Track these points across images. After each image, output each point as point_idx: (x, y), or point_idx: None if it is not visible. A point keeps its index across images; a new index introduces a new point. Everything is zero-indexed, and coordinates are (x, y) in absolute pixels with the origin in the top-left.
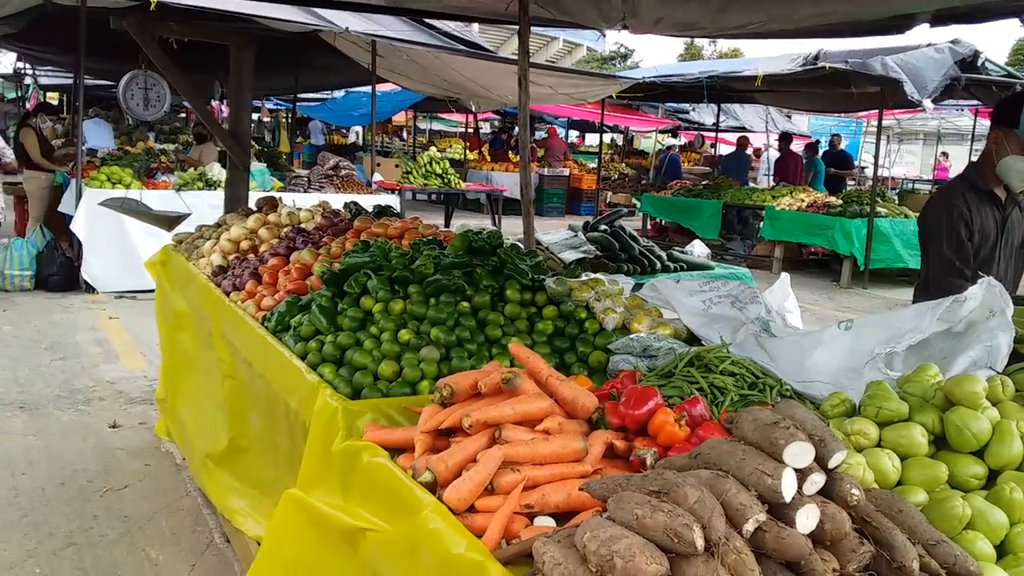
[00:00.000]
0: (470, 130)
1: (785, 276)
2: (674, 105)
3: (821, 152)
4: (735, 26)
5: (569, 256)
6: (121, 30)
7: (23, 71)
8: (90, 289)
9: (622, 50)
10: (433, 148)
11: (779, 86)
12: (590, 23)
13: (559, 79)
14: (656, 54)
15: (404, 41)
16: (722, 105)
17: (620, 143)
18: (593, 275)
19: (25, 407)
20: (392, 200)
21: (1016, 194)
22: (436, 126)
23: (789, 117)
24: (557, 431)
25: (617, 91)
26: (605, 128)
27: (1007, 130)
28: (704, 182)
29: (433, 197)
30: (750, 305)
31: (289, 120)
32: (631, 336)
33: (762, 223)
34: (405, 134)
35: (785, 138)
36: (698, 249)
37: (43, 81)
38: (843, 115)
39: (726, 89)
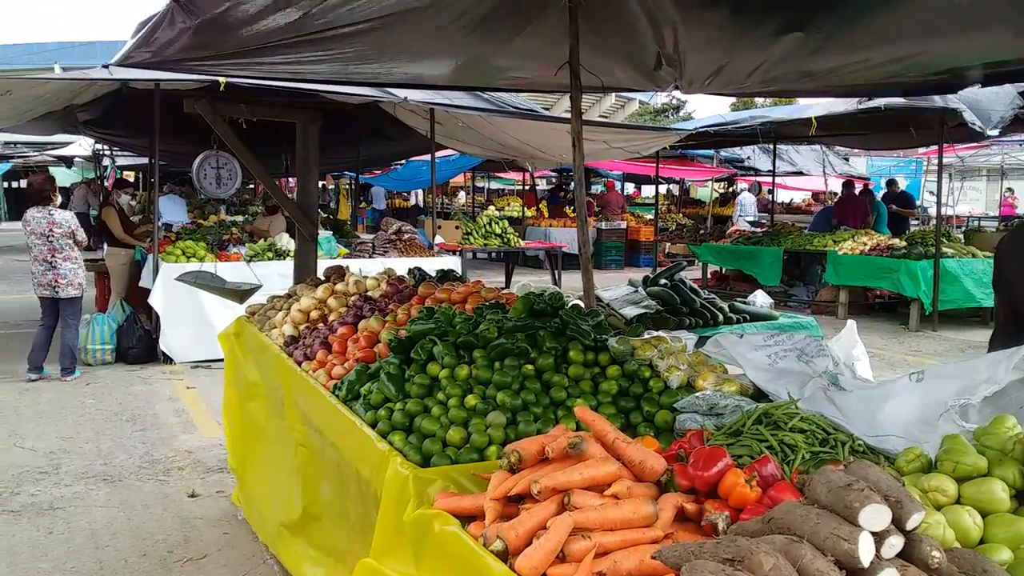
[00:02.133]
0: (527, 187)
1: (851, 324)
2: (728, 153)
3: (880, 195)
4: (784, 87)
5: (630, 312)
6: (193, 112)
7: (101, 152)
8: (168, 360)
9: (674, 102)
10: (491, 207)
11: (835, 128)
12: (641, 88)
13: (613, 134)
14: (709, 105)
15: (460, 107)
16: (778, 150)
17: (676, 193)
18: (655, 333)
19: (108, 479)
20: (454, 261)
21: None
22: (494, 185)
23: (847, 160)
24: (626, 495)
25: (671, 142)
26: (661, 180)
27: None
28: (763, 229)
29: (493, 255)
30: (817, 358)
31: (352, 187)
32: (697, 394)
33: (825, 268)
34: (463, 194)
35: (848, 184)
36: (760, 299)
37: (120, 162)
38: (902, 155)
39: (781, 135)
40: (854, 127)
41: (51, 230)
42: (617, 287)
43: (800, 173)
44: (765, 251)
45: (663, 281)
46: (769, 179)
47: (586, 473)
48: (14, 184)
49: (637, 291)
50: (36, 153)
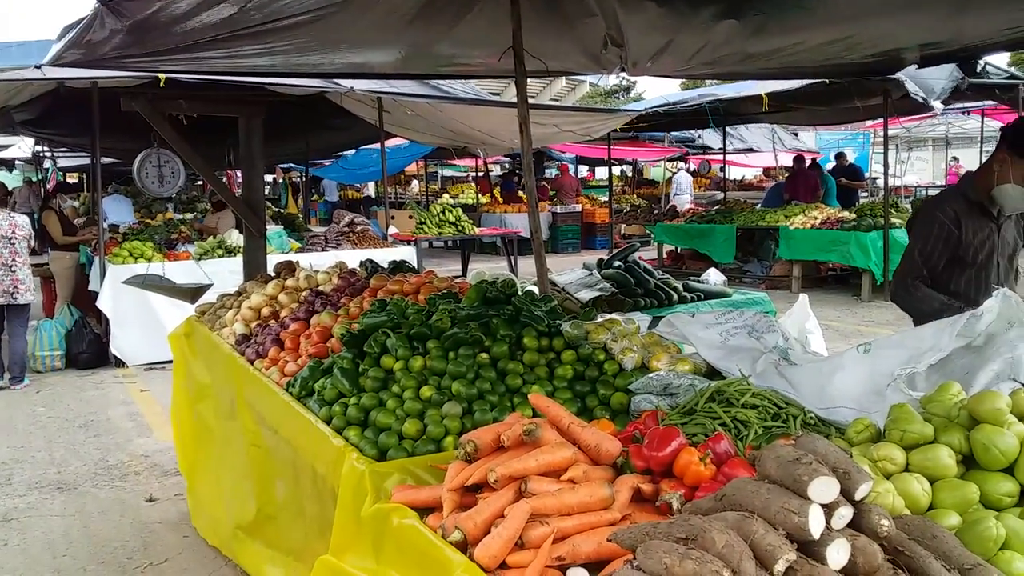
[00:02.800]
0: (480, 174)
1: (804, 298)
2: (679, 133)
3: (828, 167)
4: (726, 69)
5: (585, 295)
6: (131, 110)
7: (42, 154)
8: (120, 363)
9: (624, 83)
10: (446, 195)
11: (783, 104)
12: (587, 71)
13: (563, 117)
14: (659, 85)
15: (408, 95)
16: (728, 128)
17: (629, 175)
18: (609, 316)
19: (63, 487)
20: (409, 252)
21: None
22: (447, 172)
23: (796, 135)
24: (583, 479)
25: (621, 124)
26: (614, 162)
27: (1015, 156)
28: (716, 207)
29: (449, 244)
30: (767, 334)
31: (303, 180)
32: (651, 375)
33: (778, 244)
34: (416, 183)
35: (799, 159)
36: (713, 277)
37: (61, 163)
38: (850, 128)
39: (730, 112)
40: (802, 102)
41: (13, 232)
42: (572, 271)
43: (751, 150)
44: (718, 229)
45: (617, 263)
46: (719, 157)
47: (542, 459)
48: None
49: (592, 274)
50: None
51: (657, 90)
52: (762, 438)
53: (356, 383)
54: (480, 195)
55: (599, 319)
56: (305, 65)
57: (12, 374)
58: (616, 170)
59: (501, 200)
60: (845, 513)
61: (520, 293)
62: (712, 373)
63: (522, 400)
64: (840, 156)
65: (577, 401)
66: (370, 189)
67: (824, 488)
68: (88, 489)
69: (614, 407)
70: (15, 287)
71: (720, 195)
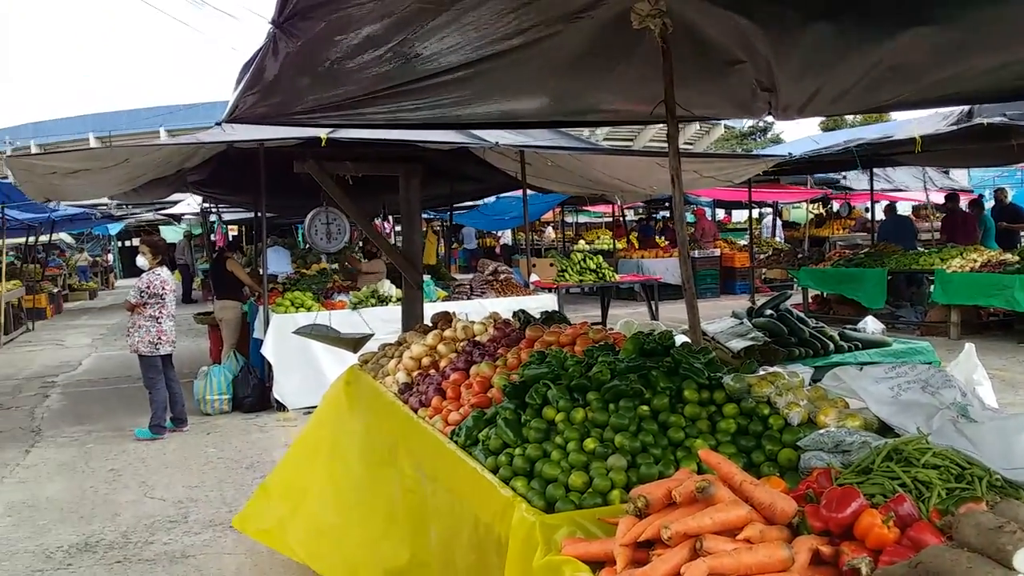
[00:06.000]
0: (616, 220)
1: (970, 347)
2: (822, 175)
3: (988, 207)
4: (882, 102)
5: (737, 345)
6: (303, 172)
7: (209, 210)
8: (281, 407)
9: (761, 124)
10: (581, 241)
11: (933, 146)
12: (734, 117)
13: (704, 164)
14: (797, 125)
15: (550, 148)
16: (875, 168)
17: (772, 217)
18: (771, 369)
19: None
20: (550, 299)
21: None
22: (582, 218)
23: (947, 173)
24: (759, 539)
25: (763, 169)
26: (753, 205)
27: None
28: (864, 250)
29: (585, 290)
30: (943, 389)
31: (443, 228)
32: (821, 431)
33: (932, 288)
34: (551, 230)
35: (952, 197)
36: (871, 325)
37: (224, 216)
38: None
39: (877, 156)
40: (955, 143)
41: (163, 288)
42: (721, 319)
43: (898, 190)
44: (868, 273)
45: (768, 311)
46: (864, 196)
47: (717, 517)
48: (127, 243)
49: (742, 323)
50: (147, 212)
51: (796, 131)
52: (947, 501)
53: (520, 434)
54: (616, 241)
55: (760, 372)
56: (454, 116)
57: (182, 417)
58: (755, 212)
59: (637, 245)
60: None
61: (677, 345)
62: (883, 429)
63: (686, 454)
64: (1000, 192)
65: (742, 457)
66: (507, 236)
67: None
68: None
69: (782, 464)
70: (159, 338)
71: (859, 237)
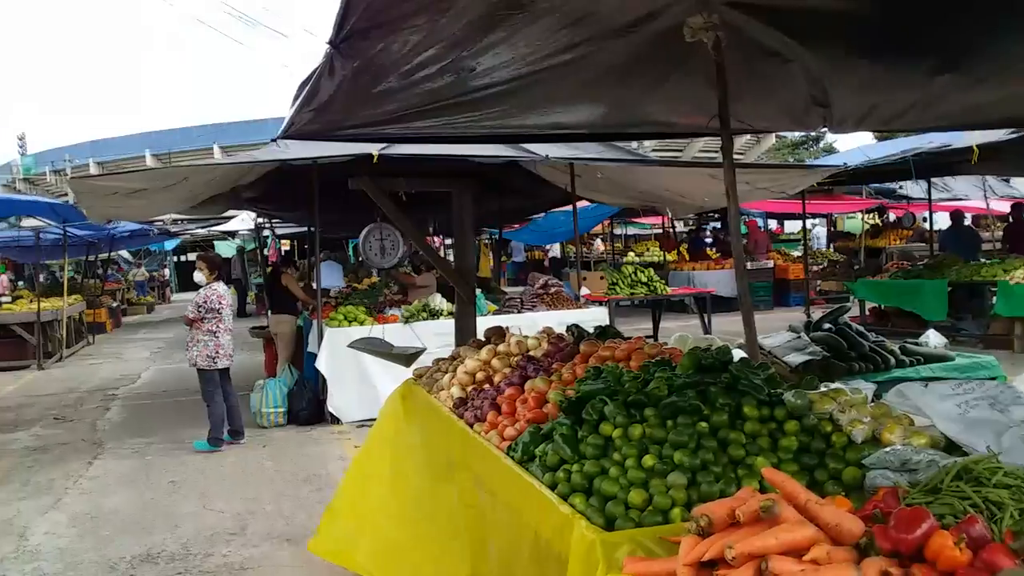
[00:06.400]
0: (665, 231)
1: None
2: (878, 184)
3: None
4: (940, 123)
5: (794, 359)
6: (356, 189)
7: (263, 225)
8: (335, 420)
9: (813, 134)
10: (631, 253)
11: (992, 155)
12: (788, 129)
13: (756, 175)
14: (851, 135)
15: (600, 160)
16: (932, 178)
17: (824, 227)
18: (833, 385)
19: (291, 540)
20: (601, 312)
21: None
22: (631, 230)
23: (1007, 181)
24: (826, 560)
25: (818, 180)
26: (809, 216)
27: None
28: (923, 261)
29: (635, 302)
30: (1013, 406)
31: (491, 242)
32: (887, 449)
33: (995, 299)
34: (600, 242)
35: (1018, 207)
36: (933, 338)
37: (277, 232)
38: None
39: (934, 165)
40: (1016, 151)
41: (220, 303)
42: (777, 333)
43: (957, 199)
44: (927, 284)
45: (827, 325)
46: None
47: (782, 537)
48: (182, 258)
49: (799, 337)
50: (202, 228)
51: (850, 140)
52: (1021, 523)
53: (577, 449)
54: (666, 253)
55: (822, 388)
56: (508, 127)
57: (238, 429)
58: (808, 223)
59: (688, 257)
60: None
61: (735, 360)
62: (951, 448)
63: (747, 472)
64: None
65: (805, 475)
66: (555, 250)
67: None
68: None
69: (846, 482)
70: (217, 352)
71: (916, 248)
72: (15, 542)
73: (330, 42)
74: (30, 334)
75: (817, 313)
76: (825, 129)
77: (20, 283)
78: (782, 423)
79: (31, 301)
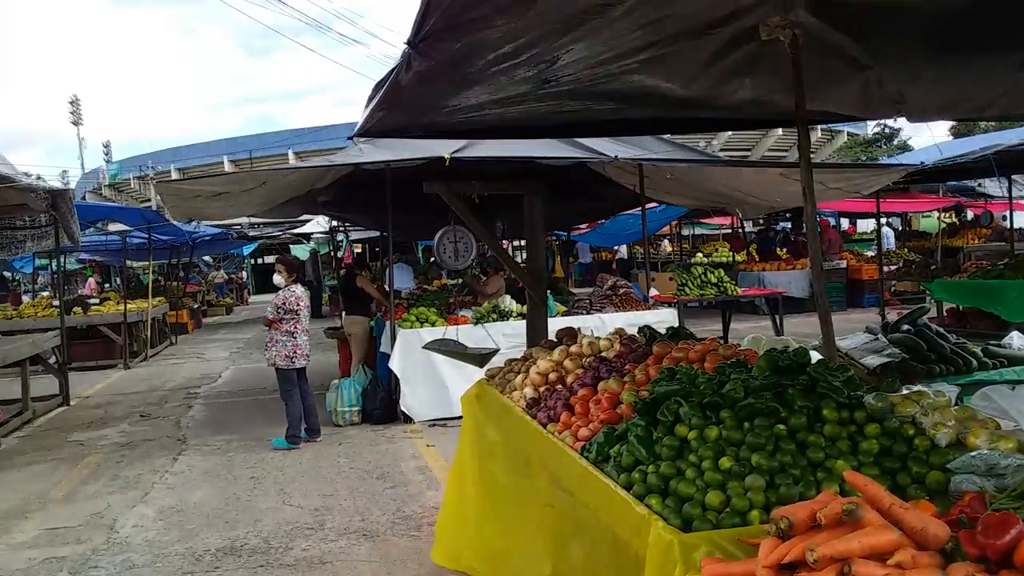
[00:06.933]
0: (734, 231)
1: None
2: (956, 182)
3: None
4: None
5: (872, 361)
6: (431, 192)
7: (338, 228)
8: (407, 419)
9: (886, 131)
10: (699, 254)
11: None
12: (861, 118)
13: (830, 175)
14: (926, 130)
15: (669, 161)
16: (1015, 175)
17: (898, 227)
18: (916, 387)
19: (367, 534)
20: (670, 313)
21: None
22: (698, 231)
23: None
24: (911, 565)
25: (893, 179)
26: (882, 215)
27: None
28: (1004, 261)
29: (704, 303)
30: None
31: (559, 244)
32: (972, 453)
33: None
34: (667, 243)
35: None
36: (1016, 340)
37: (351, 235)
38: None
39: (1017, 161)
40: None
41: (298, 304)
42: (853, 335)
43: None
44: (1010, 285)
45: (905, 326)
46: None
47: (865, 541)
48: (259, 261)
49: (877, 338)
50: (279, 232)
51: (924, 138)
52: None
53: (652, 451)
54: (735, 253)
55: (903, 390)
56: (587, 121)
57: (315, 426)
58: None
59: (758, 257)
60: None
61: (813, 362)
62: None
63: (826, 475)
64: None
65: (887, 479)
66: (622, 251)
67: None
68: (389, 537)
69: (929, 487)
70: (295, 352)
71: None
72: (106, 534)
73: (408, 42)
74: (117, 334)
75: (892, 314)
76: (900, 118)
77: (107, 285)
78: (862, 426)
79: (118, 303)
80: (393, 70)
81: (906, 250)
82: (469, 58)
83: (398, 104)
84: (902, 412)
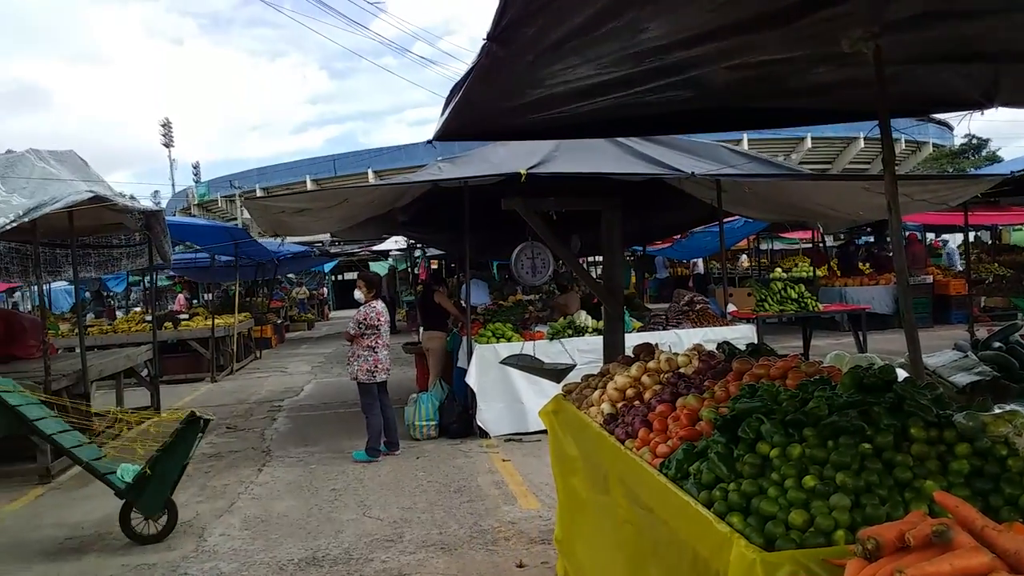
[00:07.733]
0: (815, 246)
1: None
2: None
3: None
4: None
5: (961, 379)
6: (509, 209)
7: (414, 245)
8: (483, 434)
9: (974, 141)
10: (778, 269)
11: None
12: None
13: (915, 186)
14: (1016, 140)
15: (747, 176)
16: None
17: (987, 240)
18: (1009, 407)
19: (445, 548)
20: (749, 329)
21: None
22: (777, 245)
23: None
24: None
25: (983, 190)
26: (971, 228)
27: None
28: None
29: (784, 319)
30: None
31: (634, 259)
32: None
33: None
34: (745, 258)
35: None
36: None
37: (428, 252)
38: None
39: None
40: None
41: (379, 319)
42: (941, 352)
43: None
44: None
45: (996, 343)
46: None
47: (956, 563)
48: (339, 277)
49: (967, 356)
50: (358, 249)
51: (1015, 148)
52: None
53: (733, 468)
54: (816, 268)
55: (995, 409)
56: (671, 116)
57: (394, 440)
58: (971, 236)
59: (839, 273)
60: None
61: (899, 380)
62: None
63: (914, 495)
64: None
65: (978, 500)
66: (699, 265)
67: None
68: (466, 551)
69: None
70: (375, 367)
71: None
72: (195, 542)
73: (488, 36)
74: (205, 349)
75: (982, 331)
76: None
77: (195, 301)
78: (952, 446)
79: (206, 318)
80: (470, 68)
81: (996, 264)
82: (548, 36)
83: (477, 102)
84: (994, 432)
